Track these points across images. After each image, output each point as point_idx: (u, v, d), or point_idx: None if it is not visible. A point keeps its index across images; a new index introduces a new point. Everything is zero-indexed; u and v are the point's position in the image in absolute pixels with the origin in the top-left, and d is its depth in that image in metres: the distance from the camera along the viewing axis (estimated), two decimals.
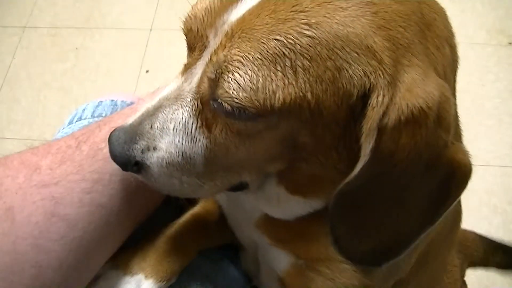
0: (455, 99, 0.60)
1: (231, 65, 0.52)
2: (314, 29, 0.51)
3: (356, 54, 0.52)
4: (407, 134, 0.52)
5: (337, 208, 0.58)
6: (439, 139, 0.53)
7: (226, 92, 0.52)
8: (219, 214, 0.82)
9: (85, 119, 0.90)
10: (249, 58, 0.52)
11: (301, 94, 0.52)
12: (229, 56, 0.52)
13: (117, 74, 2.21)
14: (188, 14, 0.60)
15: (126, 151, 0.59)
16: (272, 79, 0.51)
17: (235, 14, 0.55)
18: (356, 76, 0.52)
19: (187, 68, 0.59)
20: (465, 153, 0.56)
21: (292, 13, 0.52)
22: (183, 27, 0.61)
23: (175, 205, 0.84)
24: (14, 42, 2.33)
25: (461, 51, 2.09)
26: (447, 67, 0.57)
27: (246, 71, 0.51)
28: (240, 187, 0.65)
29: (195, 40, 0.59)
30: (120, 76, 2.20)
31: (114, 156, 0.60)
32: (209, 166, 0.60)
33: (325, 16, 0.52)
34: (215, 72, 0.53)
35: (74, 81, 2.20)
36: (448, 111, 0.53)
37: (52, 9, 2.41)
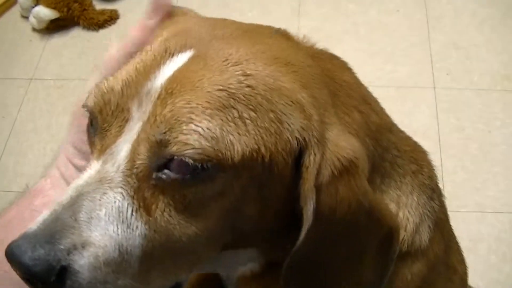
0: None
1: (183, 117, 0.48)
2: (252, 79, 0.51)
3: (290, 107, 0.52)
4: (344, 186, 0.52)
5: (289, 272, 0.55)
6: (367, 187, 0.54)
7: (186, 144, 0.48)
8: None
9: None
10: (198, 108, 0.49)
11: (256, 146, 0.50)
12: (175, 110, 0.49)
13: None
14: (100, 89, 0.55)
15: (47, 256, 0.46)
16: (227, 129, 0.49)
17: (162, 77, 0.52)
18: (296, 130, 0.52)
19: (103, 150, 0.53)
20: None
21: (224, 66, 0.52)
22: (91, 105, 0.54)
23: None
24: (20, 94, 2.32)
25: (467, 97, 2.09)
26: (359, 130, 0.58)
27: (201, 120, 0.48)
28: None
29: (111, 117, 0.53)
30: None
31: (27, 268, 0.45)
32: (145, 263, 0.51)
33: (256, 70, 0.52)
34: (161, 132, 0.49)
35: None
36: (365, 164, 0.55)
37: (58, 61, 2.41)
